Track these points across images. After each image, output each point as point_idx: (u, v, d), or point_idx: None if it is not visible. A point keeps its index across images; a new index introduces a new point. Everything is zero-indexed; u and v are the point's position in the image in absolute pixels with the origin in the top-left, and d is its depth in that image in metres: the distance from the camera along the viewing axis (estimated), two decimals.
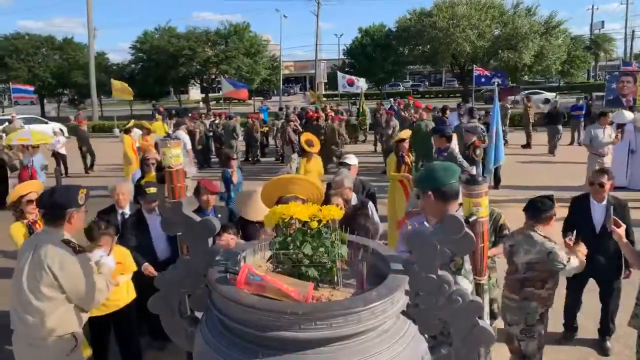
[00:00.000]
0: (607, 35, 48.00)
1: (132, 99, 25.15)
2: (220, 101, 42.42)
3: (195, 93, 48.16)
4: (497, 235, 3.81)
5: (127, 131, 11.26)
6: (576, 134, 16.09)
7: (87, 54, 31.65)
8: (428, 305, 1.68)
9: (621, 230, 3.23)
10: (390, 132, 12.20)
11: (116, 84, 22.76)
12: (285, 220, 1.70)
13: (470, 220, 1.82)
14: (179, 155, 1.96)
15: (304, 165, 7.13)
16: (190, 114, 16.64)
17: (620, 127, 9.50)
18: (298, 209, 1.70)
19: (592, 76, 50.38)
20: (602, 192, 4.23)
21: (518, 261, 3.52)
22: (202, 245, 1.84)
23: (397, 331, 1.64)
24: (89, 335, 3.45)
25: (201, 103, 41.78)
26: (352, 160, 5.39)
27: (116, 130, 22.35)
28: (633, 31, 50.98)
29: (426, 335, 1.76)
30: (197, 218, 1.85)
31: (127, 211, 4.78)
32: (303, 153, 7.39)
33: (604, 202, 4.21)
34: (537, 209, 3.51)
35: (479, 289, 2.05)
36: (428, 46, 32.84)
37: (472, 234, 1.65)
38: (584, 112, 16.39)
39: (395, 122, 12.84)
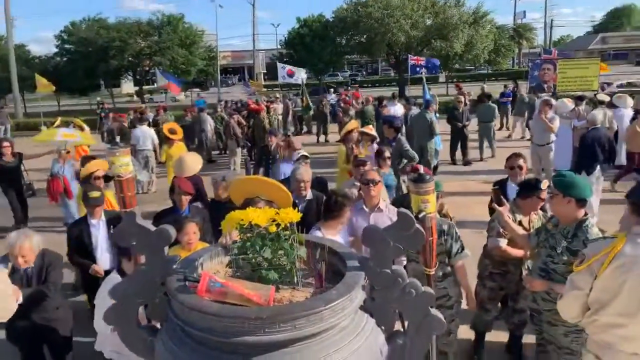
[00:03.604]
0: (528, 25, 50.83)
1: (54, 91, 23.58)
2: (159, 92, 40.95)
3: (128, 86, 46.08)
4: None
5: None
6: (504, 120, 16.98)
7: (5, 46, 29.35)
8: (384, 299, 1.77)
9: (504, 209, 3.46)
10: (348, 121, 12.50)
11: (39, 78, 21.33)
12: (244, 226, 1.72)
13: (420, 216, 1.92)
14: (129, 164, 1.92)
15: (166, 152, 8.69)
16: (111, 115, 15.44)
17: None
18: (256, 214, 1.73)
19: (517, 63, 53.28)
20: (518, 174, 4.57)
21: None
22: (158, 254, 1.81)
23: (356, 326, 1.71)
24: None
25: (135, 96, 40.08)
26: (305, 153, 5.50)
27: (43, 128, 20.97)
28: (552, 20, 54.49)
29: (382, 327, 1.85)
30: (152, 227, 1.83)
31: (31, 265, 3.54)
32: (166, 140, 8.76)
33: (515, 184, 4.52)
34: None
35: (429, 280, 2.17)
36: (364, 36, 33.32)
37: (422, 230, 1.75)
38: (510, 98, 17.33)
39: (353, 112, 13.24)
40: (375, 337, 1.76)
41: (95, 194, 4.09)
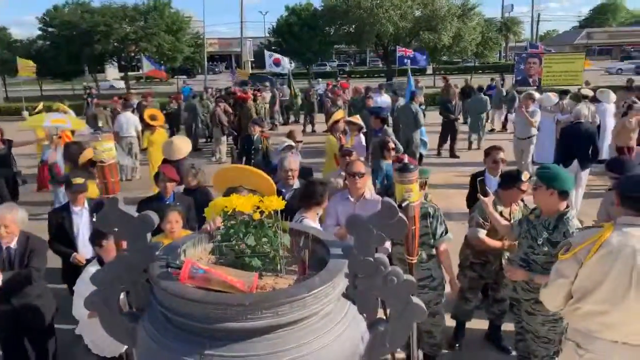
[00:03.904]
0: (515, 19, 51.09)
1: (34, 72, 23.09)
2: (141, 80, 40.36)
3: (112, 72, 45.29)
4: None
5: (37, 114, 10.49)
6: (490, 112, 17.10)
7: None
8: (366, 287, 1.79)
9: (488, 200, 3.53)
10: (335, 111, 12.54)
11: (21, 61, 20.90)
12: (228, 213, 1.72)
13: (403, 205, 1.94)
14: (112, 149, 1.90)
15: (147, 137, 8.53)
16: (95, 100, 15.09)
17: None
18: (240, 201, 1.73)
19: (503, 57, 53.61)
20: (497, 167, 4.63)
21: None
22: (141, 240, 1.81)
23: (339, 313, 1.73)
24: None
25: (121, 82, 39.44)
26: (291, 142, 5.46)
27: (25, 113, 20.58)
28: (539, 14, 54.83)
29: (364, 314, 1.87)
30: (135, 214, 1.82)
31: (14, 246, 3.48)
32: (147, 126, 8.61)
33: (498, 177, 4.57)
34: None
35: (411, 268, 2.19)
36: (353, 26, 33.19)
37: (405, 218, 1.77)
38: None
39: (341, 102, 13.24)
40: (357, 324, 1.78)
41: (78, 180, 4.03)
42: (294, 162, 4.53)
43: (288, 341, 1.56)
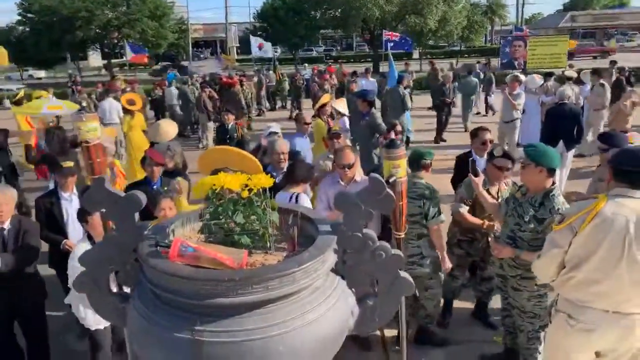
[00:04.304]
0: (501, 2, 51.10)
1: (6, 63, 22.55)
2: (125, 67, 39.72)
3: (95, 59, 44.45)
4: None
5: (18, 102, 10.28)
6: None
7: None
8: (355, 261, 1.81)
9: (479, 180, 3.59)
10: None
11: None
12: (217, 191, 1.72)
13: (391, 180, 1.96)
14: (96, 129, 1.88)
15: (127, 122, 8.54)
16: (79, 88, 14.84)
17: None
18: (228, 178, 1.73)
19: (489, 40, 53.70)
20: (484, 148, 4.68)
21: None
22: (129, 220, 1.80)
23: (328, 287, 1.75)
24: None
25: (103, 70, 38.75)
26: (276, 128, 5.44)
27: (6, 102, 20.18)
28: None
29: (353, 289, 1.90)
30: (121, 193, 1.81)
31: (7, 226, 3.47)
32: (126, 111, 8.59)
33: (485, 157, 4.63)
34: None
35: (399, 243, 2.22)
36: (339, 10, 32.91)
37: (392, 194, 1.79)
38: (482, 75, 17.49)
39: (328, 87, 13.24)
40: (346, 298, 1.81)
41: (68, 163, 3.97)
42: (284, 144, 4.54)
43: (278, 316, 1.58)
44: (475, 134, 4.81)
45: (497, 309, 4.03)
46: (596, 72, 10.10)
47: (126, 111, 9.01)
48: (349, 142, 5.62)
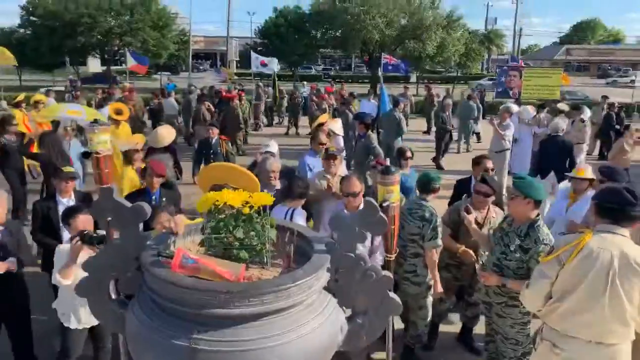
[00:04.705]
0: (499, 32, 52.16)
1: (16, 64, 22.61)
2: (124, 75, 39.83)
3: (94, 65, 44.59)
4: None
5: (17, 105, 10.30)
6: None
7: None
8: (346, 280, 1.90)
9: (471, 217, 3.70)
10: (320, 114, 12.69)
11: (2, 51, 20.48)
12: (219, 206, 1.81)
13: (384, 205, 2.06)
14: (107, 142, 1.97)
15: (112, 131, 8.09)
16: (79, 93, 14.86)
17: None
18: (231, 195, 1.82)
19: (486, 68, 54.65)
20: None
21: None
22: (133, 229, 1.89)
23: (320, 304, 1.84)
24: None
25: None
26: (273, 147, 5.51)
27: (3, 103, 20.16)
28: (521, 29, 56.00)
29: (344, 307, 1.99)
30: (128, 203, 1.89)
31: (1, 228, 3.53)
32: (112, 121, 8.40)
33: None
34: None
35: (389, 264, 2.31)
36: (340, 31, 33.44)
37: (385, 217, 1.89)
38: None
39: (325, 106, 13.42)
40: (337, 315, 1.89)
41: (69, 168, 4.05)
42: (276, 163, 4.63)
43: (272, 328, 1.66)
44: (479, 162, 4.97)
45: (481, 335, 4.11)
46: (575, 108, 10.38)
47: (113, 120, 8.83)
48: (343, 162, 5.71)
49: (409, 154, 5.49)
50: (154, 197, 4.09)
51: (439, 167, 11.43)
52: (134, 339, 1.80)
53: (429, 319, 4.05)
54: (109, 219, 1.92)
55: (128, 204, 1.88)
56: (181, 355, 1.60)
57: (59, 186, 4.19)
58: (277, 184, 4.57)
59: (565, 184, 5.06)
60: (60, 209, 4.12)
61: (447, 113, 12.19)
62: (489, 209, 4.01)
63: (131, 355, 1.90)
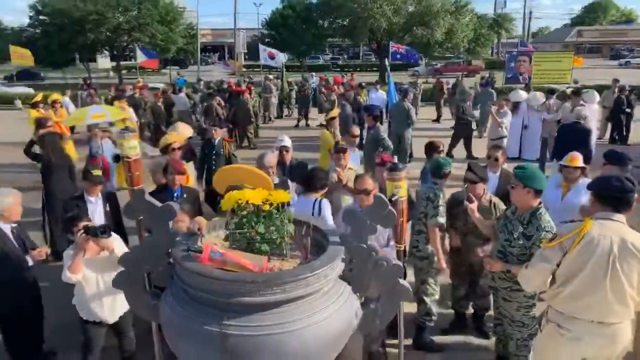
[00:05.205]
0: (508, 15, 51.53)
1: (33, 64, 23.06)
2: (133, 70, 40.18)
3: (104, 61, 45.01)
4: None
5: (34, 105, 10.50)
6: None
7: None
8: (360, 270, 2.07)
9: (473, 206, 3.80)
10: (329, 105, 12.90)
11: (16, 49, 20.84)
12: (241, 204, 1.98)
13: (393, 199, 2.22)
14: (136, 147, 2.15)
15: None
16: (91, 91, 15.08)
17: (516, 105, 10.57)
18: (252, 194, 1.99)
19: (495, 53, 54.08)
20: (497, 164, 4.94)
21: None
22: (164, 227, 2.07)
23: (336, 292, 2.01)
24: None
25: (111, 72, 39.25)
26: (287, 142, 5.56)
27: (18, 102, 20.55)
28: (531, 12, 55.29)
29: (358, 294, 2.16)
30: (158, 203, 2.07)
31: (15, 224, 3.71)
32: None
33: (498, 173, 4.89)
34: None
35: (399, 254, 2.47)
36: (347, 20, 33.36)
37: (394, 211, 2.05)
38: (487, 88, 17.76)
39: (334, 97, 13.49)
40: (351, 301, 2.06)
41: (97, 171, 4.26)
42: (273, 158, 4.76)
43: (293, 314, 1.84)
44: (490, 150, 5.13)
45: (489, 317, 4.27)
46: (575, 93, 10.31)
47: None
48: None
49: (440, 148, 5.42)
50: (175, 195, 4.26)
51: (470, 157, 11.26)
52: (168, 327, 1.99)
53: (436, 296, 4.21)
54: (141, 218, 2.10)
55: (159, 204, 2.06)
56: (213, 340, 1.78)
57: (89, 187, 4.40)
58: (275, 179, 4.69)
59: (555, 172, 5.09)
60: (89, 207, 4.34)
61: (469, 103, 11.64)
62: (482, 195, 4.08)
63: (164, 343, 2.09)
